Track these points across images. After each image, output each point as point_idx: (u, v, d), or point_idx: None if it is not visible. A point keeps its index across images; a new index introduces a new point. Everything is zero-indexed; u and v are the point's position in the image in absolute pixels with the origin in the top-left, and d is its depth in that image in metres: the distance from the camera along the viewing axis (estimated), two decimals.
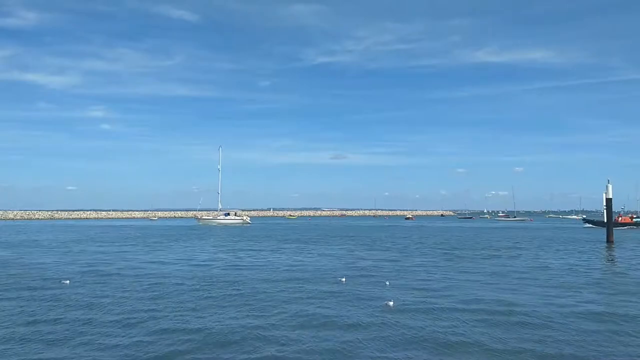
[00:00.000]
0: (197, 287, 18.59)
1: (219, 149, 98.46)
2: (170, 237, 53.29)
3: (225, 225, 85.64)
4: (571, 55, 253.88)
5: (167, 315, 13.67)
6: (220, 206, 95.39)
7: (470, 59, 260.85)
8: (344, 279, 20.19)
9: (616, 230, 64.31)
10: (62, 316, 13.57)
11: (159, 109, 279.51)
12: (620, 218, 78.37)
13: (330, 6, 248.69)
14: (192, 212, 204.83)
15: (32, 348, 10.74)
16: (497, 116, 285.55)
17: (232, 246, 39.40)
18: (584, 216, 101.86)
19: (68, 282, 19.48)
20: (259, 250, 35.99)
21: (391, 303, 15.04)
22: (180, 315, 13.66)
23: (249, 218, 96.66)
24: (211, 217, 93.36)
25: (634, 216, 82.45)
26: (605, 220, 41.45)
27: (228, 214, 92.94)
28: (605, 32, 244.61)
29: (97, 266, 25.24)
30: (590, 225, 77.58)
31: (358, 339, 11.45)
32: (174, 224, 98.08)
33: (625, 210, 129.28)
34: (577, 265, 26.05)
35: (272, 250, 35.41)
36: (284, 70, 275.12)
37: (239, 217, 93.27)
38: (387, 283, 19.15)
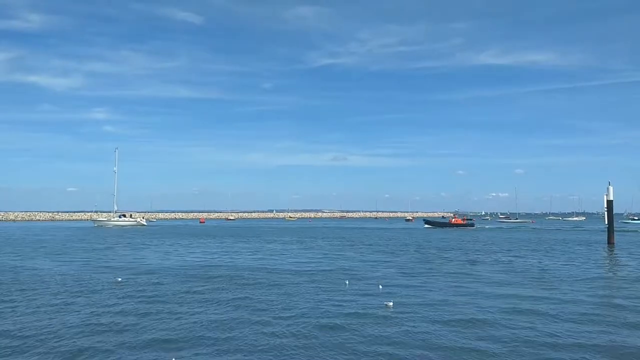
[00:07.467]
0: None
1: (115, 151, 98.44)
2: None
3: (117, 227, 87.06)
4: (573, 58, 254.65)
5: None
6: (115, 208, 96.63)
7: (473, 62, 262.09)
8: (347, 281, 20.03)
9: (453, 230, 68.95)
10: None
11: (162, 110, 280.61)
12: (454, 219, 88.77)
13: (334, 9, 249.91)
14: (192, 213, 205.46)
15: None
16: (499, 118, 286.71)
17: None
18: (424, 218, 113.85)
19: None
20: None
21: (390, 304, 15.00)
22: None
23: (144, 220, 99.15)
24: (105, 219, 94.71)
25: (467, 218, 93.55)
26: (607, 222, 41.46)
27: (123, 216, 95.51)
28: (607, 34, 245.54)
29: None
30: (429, 226, 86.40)
31: (365, 340, 11.44)
32: (76, 226, 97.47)
33: (627, 212, 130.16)
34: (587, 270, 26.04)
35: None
36: (287, 72, 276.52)
37: (133, 219, 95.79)
38: (380, 287, 18.60)
